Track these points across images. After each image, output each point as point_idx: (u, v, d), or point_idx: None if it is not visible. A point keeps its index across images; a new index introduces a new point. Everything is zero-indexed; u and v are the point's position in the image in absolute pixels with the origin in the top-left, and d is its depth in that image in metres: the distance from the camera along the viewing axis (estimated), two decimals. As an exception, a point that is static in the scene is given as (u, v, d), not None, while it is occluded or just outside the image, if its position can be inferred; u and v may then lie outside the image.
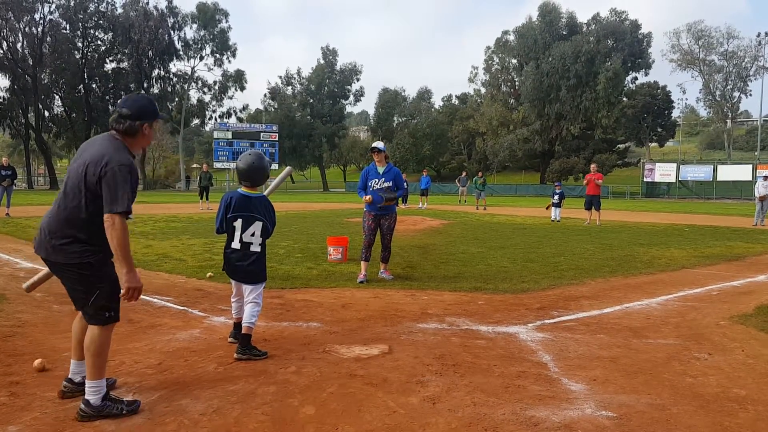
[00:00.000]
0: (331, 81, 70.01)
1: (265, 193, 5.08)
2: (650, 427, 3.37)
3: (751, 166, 48.52)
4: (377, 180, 8.04)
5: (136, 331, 5.25)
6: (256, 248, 4.67)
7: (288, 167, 6.34)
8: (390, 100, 75.34)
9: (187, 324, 5.58)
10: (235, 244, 4.67)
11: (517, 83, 68.19)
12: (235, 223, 4.66)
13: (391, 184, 8.03)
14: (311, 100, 70.67)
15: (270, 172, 5.07)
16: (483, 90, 74.49)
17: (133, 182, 3.35)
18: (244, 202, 4.68)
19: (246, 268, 4.67)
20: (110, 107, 64.41)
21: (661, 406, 3.68)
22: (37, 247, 3.46)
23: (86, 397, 3.42)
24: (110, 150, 3.35)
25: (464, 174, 37.91)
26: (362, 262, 8.09)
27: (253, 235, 4.67)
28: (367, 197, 8.00)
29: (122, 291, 3.44)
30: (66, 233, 3.34)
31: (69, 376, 3.69)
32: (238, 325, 4.88)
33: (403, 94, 77.23)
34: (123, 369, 4.20)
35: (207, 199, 24.75)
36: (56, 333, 5.06)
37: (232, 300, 4.97)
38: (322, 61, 69.96)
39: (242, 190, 4.77)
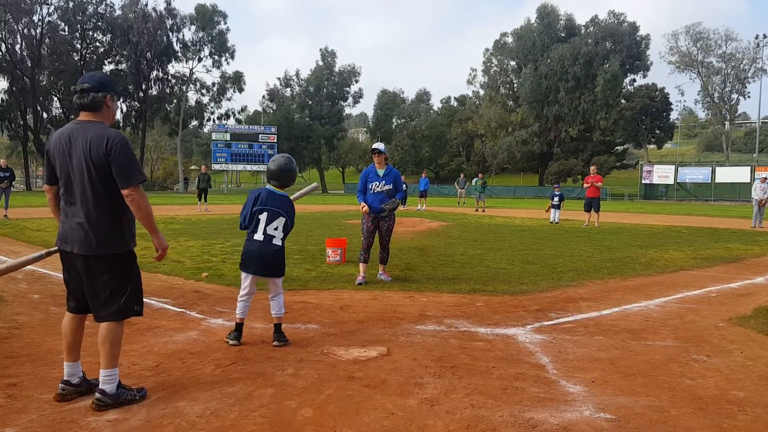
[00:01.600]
0: (330, 82, 70.06)
1: None
2: (649, 429, 3.36)
3: (749, 168, 48.67)
4: (377, 183, 7.98)
5: (133, 332, 5.22)
6: (277, 242, 4.95)
7: (314, 183, 6.35)
8: (389, 101, 75.41)
9: (185, 326, 5.57)
10: (258, 236, 4.93)
11: (515, 85, 68.34)
12: (260, 216, 4.94)
13: (391, 186, 8.00)
14: (310, 102, 70.72)
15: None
16: (482, 92, 74.72)
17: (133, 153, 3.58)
18: (271, 197, 4.99)
19: (270, 261, 4.94)
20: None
21: (660, 408, 3.67)
22: (79, 247, 3.50)
23: (101, 386, 3.51)
24: (103, 130, 3.48)
25: (462, 176, 37.91)
26: (361, 264, 8.07)
27: (276, 229, 4.94)
28: (365, 208, 7.97)
29: (157, 254, 3.78)
30: (106, 221, 3.51)
31: (65, 378, 3.68)
32: (239, 325, 4.96)
33: (401, 95, 77.37)
34: (120, 371, 4.14)
35: (205, 200, 24.73)
36: (53, 335, 5.03)
37: (240, 298, 5.01)
38: (320, 63, 70.05)
39: (270, 187, 5.08)
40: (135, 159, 3.54)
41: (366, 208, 7.95)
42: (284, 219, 4.97)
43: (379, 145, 8.06)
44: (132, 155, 3.50)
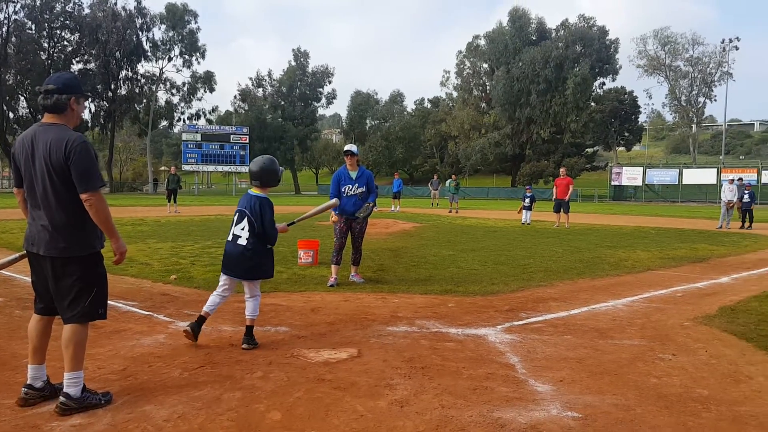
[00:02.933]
0: (303, 83, 69.81)
1: (301, 217, 5.71)
2: (615, 427, 3.40)
3: (715, 169, 49.73)
4: (350, 186, 7.93)
5: (99, 336, 5.13)
6: (242, 242, 4.89)
7: (334, 199, 6.37)
8: (362, 102, 75.38)
9: (152, 329, 5.48)
10: (229, 236, 5.02)
11: (488, 87, 68.80)
12: (234, 216, 5.04)
13: (364, 189, 7.98)
14: (282, 102, 70.37)
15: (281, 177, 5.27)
16: (455, 94, 75.09)
17: (95, 157, 3.53)
18: (245, 199, 5.03)
19: (235, 261, 4.93)
20: (77, 109, 63.19)
21: (626, 407, 3.72)
22: (45, 249, 3.47)
23: (66, 390, 3.46)
24: (63, 133, 3.44)
25: (436, 177, 38.06)
26: (333, 266, 8.03)
27: (243, 229, 4.92)
28: (334, 218, 7.95)
29: (115, 258, 3.69)
30: (70, 224, 3.47)
31: (29, 382, 3.60)
32: (201, 318, 4.96)
33: (375, 97, 77.40)
34: (86, 375, 4.07)
35: (175, 202, 24.45)
36: (17, 339, 4.92)
37: (214, 293, 5.05)
38: (293, 63, 69.73)
39: (250, 190, 5.09)
40: (95, 163, 3.48)
41: (335, 218, 7.92)
42: (251, 219, 4.89)
43: (352, 147, 8.02)
44: (92, 159, 3.44)
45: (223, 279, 5.05)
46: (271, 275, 5.15)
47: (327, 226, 16.66)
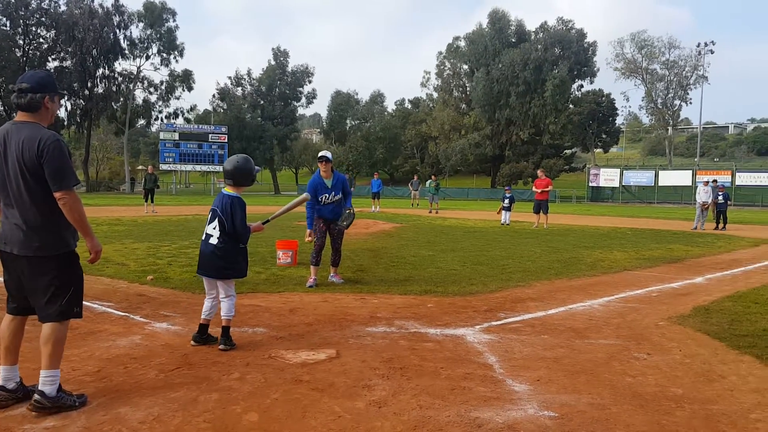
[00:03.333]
0: (283, 82, 69.42)
1: (275, 214, 5.56)
2: (590, 426, 3.43)
3: (691, 171, 50.41)
4: (327, 195, 7.86)
5: (74, 337, 5.05)
6: (214, 240, 4.88)
7: (305, 194, 6.01)
8: (343, 102, 75.20)
9: (128, 330, 5.42)
10: (203, 235, 5.02)
11: (468, 89, 69.09)
12: (208, 216, 5.04)
13: (340, 195, 7.95)
14: (262, 102, 69.91)
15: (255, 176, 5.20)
16: (435, 95, 75.30)
17: (69, 155, 3.51)
18: (218, 198, 5.02)
19: (207, 259, 4.93)
20: (52, 107, 62.14)
21: (601, 406, 3.75)
22: (19, 249, 3.44)
23: (41, 388, 3.42)
24: (36, 131, 3.40)
25: (416, 177, 38.11)
26: (312, 267, 8.00)
27: (214, 228, 4.91)
28: (308, 238, 7.97)
29: (90, 256, 3.62)
30: (44, 223, 3.44)
31: (0, 383, 3.54)
32: (201, 326, 4.98)
33: (356, 97, 77.22)
34: (60, 376, 4.03)
35: (152, 201, 24.19)
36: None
37: (206, 298, 5.07)
38: (273, 63, 69.33)
39: (224, 189, 5.08)
40: (68, 161, 3.45)
41: (311, 238, 7.95)
42: (221, 219, 4.87)
43: (327, 153, 7.97)
44: (65, 157, 3.41)
45: (204, 281, 5.05)
46: (243, 275, 5.11)
47: (305, 226, 16.58)
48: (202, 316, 5.01)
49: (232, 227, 4.85)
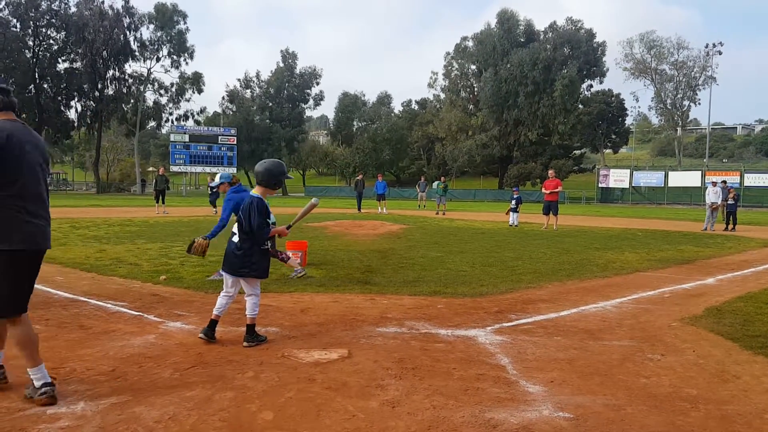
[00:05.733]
0: (291, 84, 69.60)
1: (294, 220, 5.50)
2: (606, 427, 3.43)
3: (700, 172, 50.20)
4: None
5: (88, 337, 5.10)
6: (235, 239, 5.05)
7: (314, 198, 5.85)
8: (350, 104, 75.32)
9: (142, 329, 5.45)
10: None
11: (476, 89, 68.99)
12: None
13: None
14: (270, 104, 70.11)
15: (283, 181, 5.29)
16: (442, 95, 75.18)
17: None
18: (246, 200, 5.11)
19: (229, 257, 5.05)
20: (62, 108, 62.54)
21: (616, 407, 3.75)
22: (45, 240, 3.62)
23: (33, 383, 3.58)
24: (34, 132, 3.58)
25: (423, 179, 38.07)
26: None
27: (236, 227, 5.09)
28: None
29: None
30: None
31: None
32: (211, 321, 5.05)
33: (363, 98, 77.35)
34: (74, 376, 4.07)
35: (163, 202, 24.32)
36: None
37: (220, 294, 5.15)
38: (281, 65, 69.52)
39: (252, 190, 5.22)
40: None
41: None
42: (240, 218, 5.00)
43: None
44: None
45: (225, 277, 5.15)
46: (261, 276, 5.14)
47: (314, 227, 16.67)
48: (214, 312, 5.08)
49: (249, 227, 4.90)
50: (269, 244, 5.16)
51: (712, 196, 20.49)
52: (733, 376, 4.42)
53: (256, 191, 5.11)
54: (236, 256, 4.97)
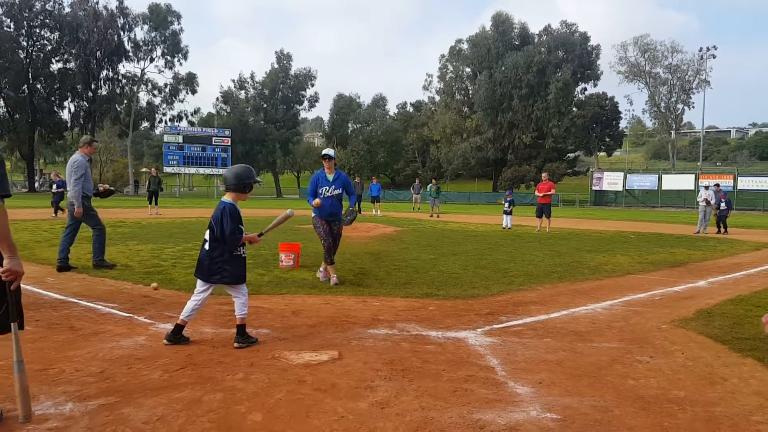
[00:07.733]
0: (285, 86, 69.62)
1: (266, 229, 5.52)
2: (593, 428, 3.44)
3: (693, 175, 50.43)
4: (327, 187, 8.16)
5: (77, 338, 5.09)
6: (206, 246, 5.01)
7: (289, 210, 5.89)
8: (345, 106, 75.34)
9: (132, 331, 5.44)
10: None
11: (470, 92, 69.11)
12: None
13: (341, 191, 8.23)
14: (265, 105, 70.10)
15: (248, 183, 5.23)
16: (437, 98, 75.30)
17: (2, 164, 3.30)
18: (218, 205, 5.11)
19: (201, 264, 5.05)
20: (55, 108, 62.38)
21: (604, 408, 3.76)
22: None
23: None
24: None
25: (418, 181, 38.12)
26: (329, 267, 8.23)
27: (208, 233, 5.04)
28: (317, 201, 8.07)
29: (4, 276, 3.16)
30: None
31: None
32: (178, 326, 5.00)
33: (358, 100, 77.33)
34: (62, 377, 4.06)
35: (156, 204, 24.27)
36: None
37: (190, 299, 5.06)
38: (276, 66, 69.50)
39: (224, 196, 5.19)
40: (3, 170, 3.27)
41: (318, 201, 8.07)
42: (211, 224, 5.00)
43: (329, 151, 8.32)
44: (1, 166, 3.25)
45: (197, 283, 5.10)
46: (233, 282, 5.03)
47: (308, 229, 16.63)
48: (180, 317, 5.01)
49: (221, 233, 4.91)
50: (242, 250, 5.09)
51: (704, 193, 20.78)
52: (722, 378, 4.45)
53: (227, 197, 5.10)
54: (206, 262, 4.97)
